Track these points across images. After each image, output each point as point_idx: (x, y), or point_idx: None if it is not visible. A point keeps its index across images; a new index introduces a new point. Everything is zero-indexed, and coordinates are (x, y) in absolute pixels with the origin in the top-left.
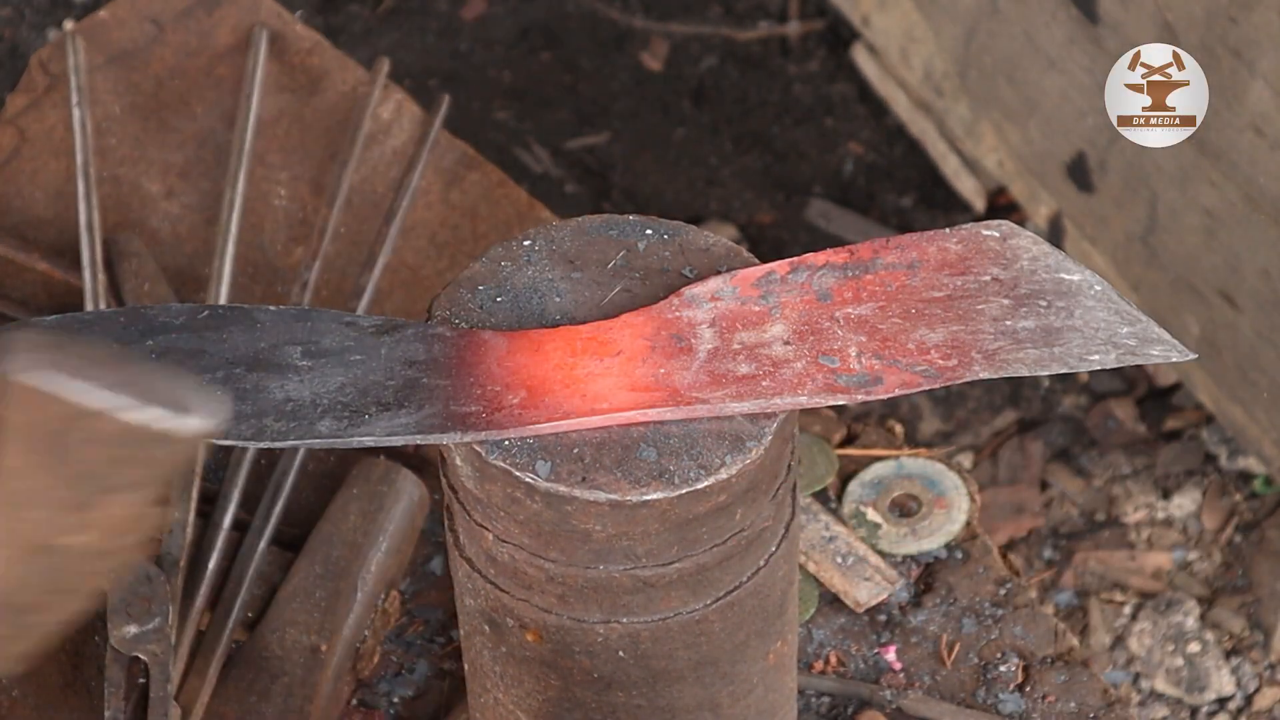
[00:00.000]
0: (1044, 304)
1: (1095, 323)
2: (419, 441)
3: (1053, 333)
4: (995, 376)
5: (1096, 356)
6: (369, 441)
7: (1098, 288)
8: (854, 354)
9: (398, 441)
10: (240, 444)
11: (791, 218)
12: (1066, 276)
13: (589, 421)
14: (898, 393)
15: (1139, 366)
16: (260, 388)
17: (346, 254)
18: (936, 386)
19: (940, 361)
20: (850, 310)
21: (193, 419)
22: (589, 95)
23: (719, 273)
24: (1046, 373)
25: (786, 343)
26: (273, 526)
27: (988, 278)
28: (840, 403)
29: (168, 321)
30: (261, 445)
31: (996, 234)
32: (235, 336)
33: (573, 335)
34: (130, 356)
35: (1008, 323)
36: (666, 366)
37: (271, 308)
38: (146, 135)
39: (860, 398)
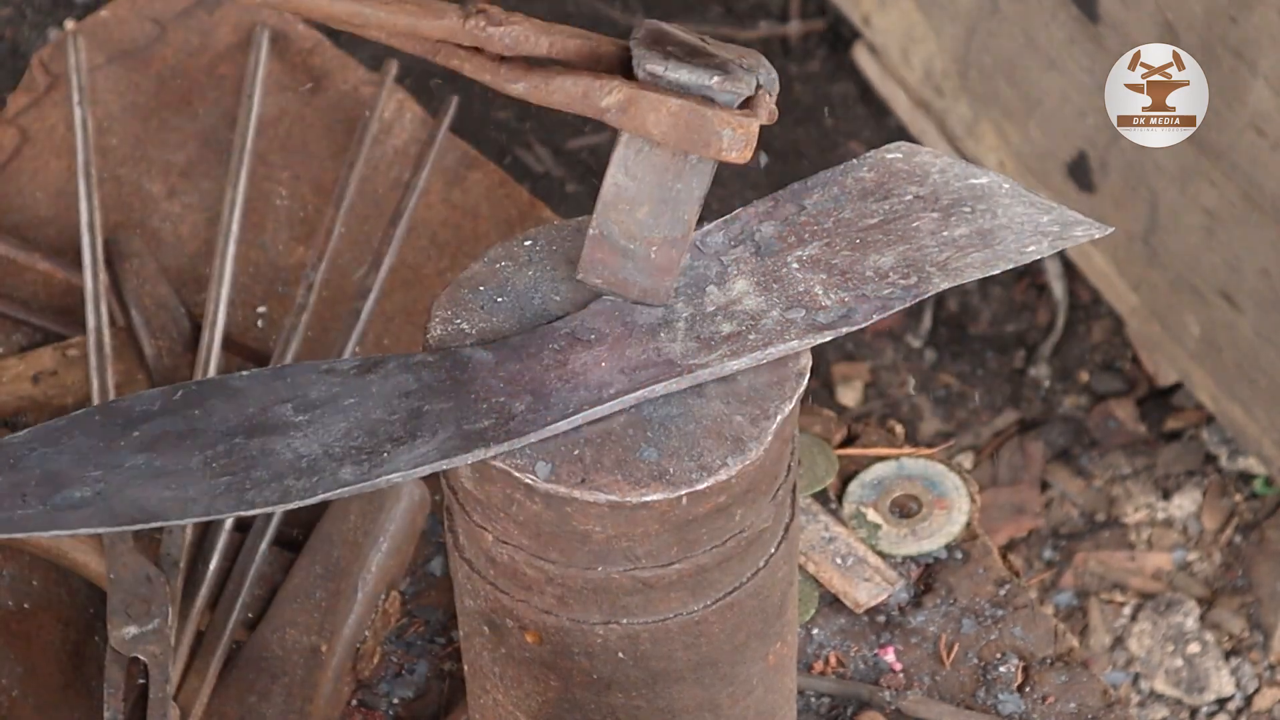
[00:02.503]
0: (968, 210)
1: (1019, 218)
2: (445, 467)
3: (987, 234)
4: (954, 284)
5: (1033, 248)
6: (396, 478)
7: (1006, 185)
8: (820, 293)
9: (424, 472)
10: (269, 510)
11: None
12: (976, 181)
13: (601, 410)
14: (875, 319)
15: (1138, 365)
16: (267, 451)
17: (348, 254)
18: (908, 305)
19: (901, 281)
20: (800, 253)
21: None
22: None
23: None
24: (995, 271)
25: (755, 296)
26: (274, 528)
27: (909, 196)
28: (826, 339)
29: (145, 409)
30: (290, 506)
31: (900, 155)
32: (220, 408)
33: (551, 333)
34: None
35: (945, 233)
36: (654, 341)
37: (244, 373)
38: (148, 135)
39: (844, 330)
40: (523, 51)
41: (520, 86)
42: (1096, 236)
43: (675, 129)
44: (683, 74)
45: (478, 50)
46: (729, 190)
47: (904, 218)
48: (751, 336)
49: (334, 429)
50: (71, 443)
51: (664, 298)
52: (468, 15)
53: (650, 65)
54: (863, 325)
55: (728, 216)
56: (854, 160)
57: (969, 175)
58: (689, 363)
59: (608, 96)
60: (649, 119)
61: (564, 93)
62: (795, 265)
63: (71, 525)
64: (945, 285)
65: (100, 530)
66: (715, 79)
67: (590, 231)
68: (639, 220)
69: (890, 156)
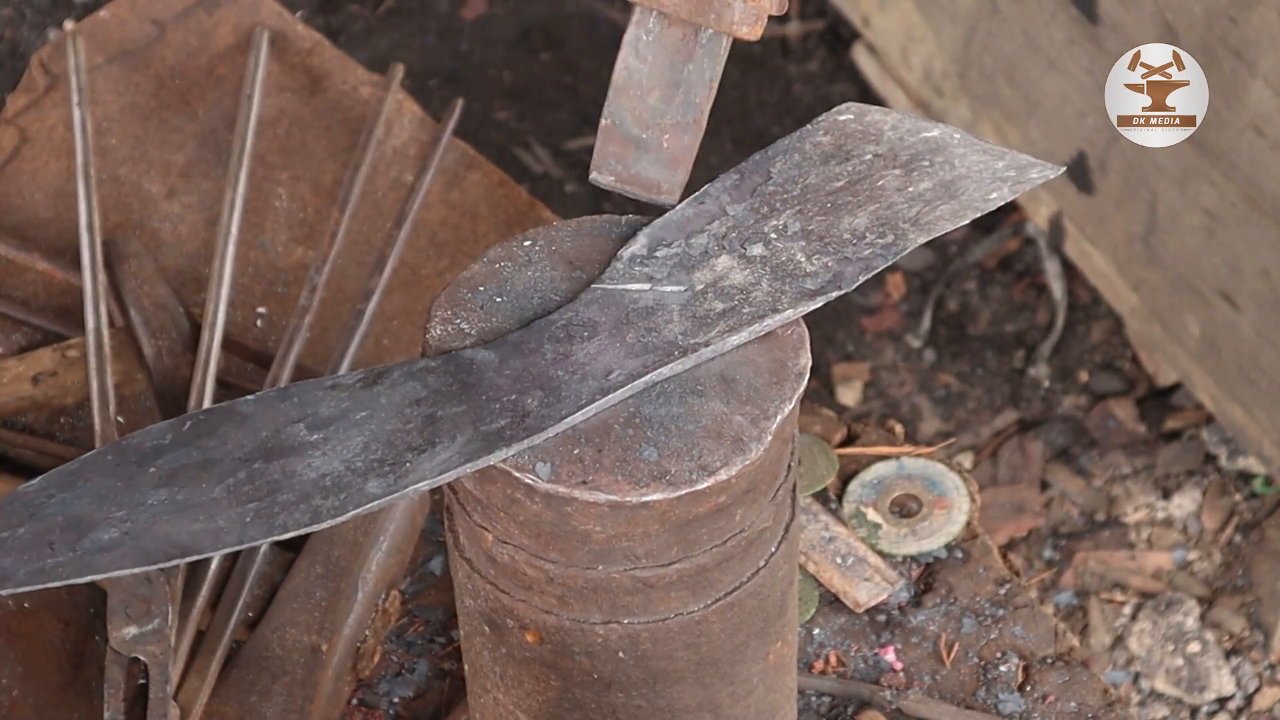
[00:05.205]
0: (927, 163)
1: (976, 166)
2: (470, 470)
3: (950, 185)
4: (929, 238)
5: (995, 194)
6: (424, 486)
7: (957, 136)
8: (804, 260)
9: (451, 477)
10: (302, 532)
11: None
12: (928, 134)
13: (613, 398)
14: (862, 279)
15: (1138, 365)
16: (289, 473)
17: (347, 254)
18: (890, 263)
19: (879, 241)
20: (775, 222)
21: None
22: (589, 95)
23: (639, 229)
24: (965, 221)
25: (740, 270)
26: None
27: (869, 156)
28: (818, 305)
29: (157, 443)
30: (322, 527)
31: (852, 116)
32: (232, 435)
33: (548, 327)
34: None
35: (910, 189)
36: (651, 325)
37: (250, 396)
38: (147, 135)
39: (834, 294)
40: None
41: None
42: (1051, 177)
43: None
44: None
45: None
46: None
47: (868, 177)
48: (746, 310)
49: (351, 444)
50: (89, 485)
51: (676, 192)
52: None
53: None
54: (851, 288)
55: (696, 194)
56: (808, 126)
57: (920, 129)
58: (690, 342)
59: None
60: None
61: None
62: (773, 235)
63: (104, 568)
64: (922, 240)
65: (135, 570)
66: None
67: (602, 123)
68: (651, 106)
69: (843, 118)
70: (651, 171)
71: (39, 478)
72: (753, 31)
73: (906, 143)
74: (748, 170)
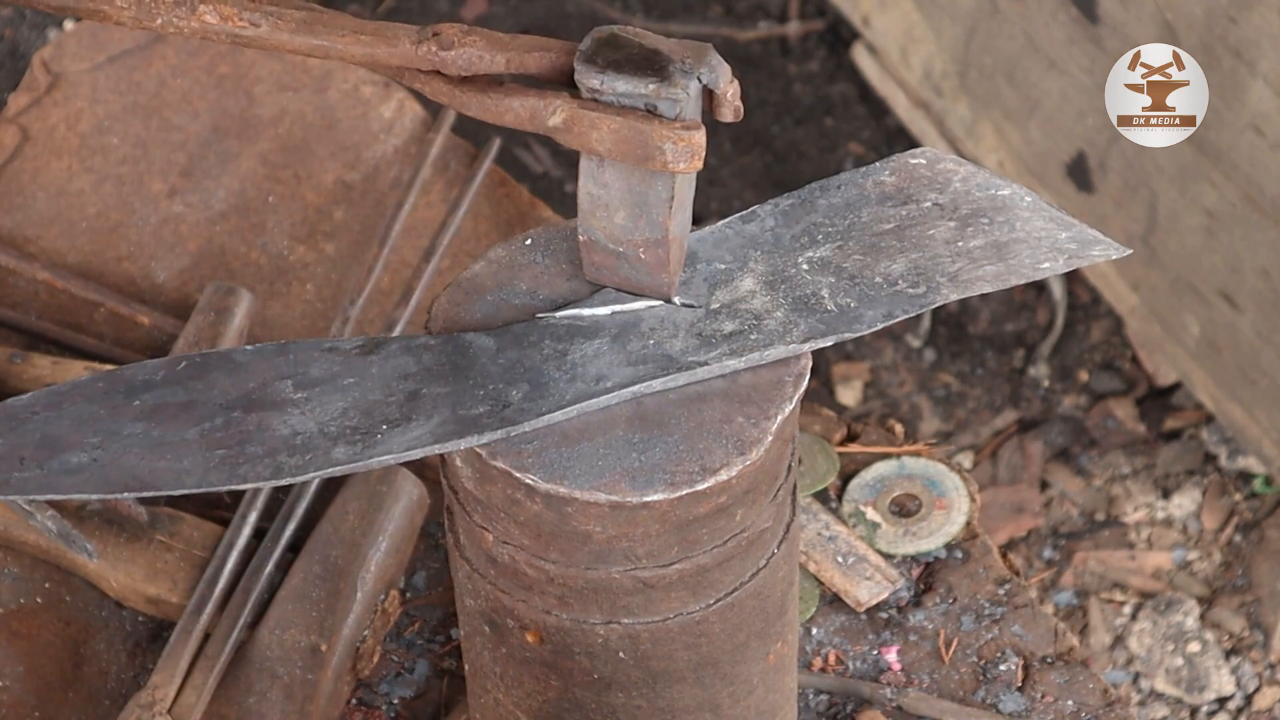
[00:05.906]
0: (986, 221)
1: (1037, 232)
2: (437, 451)
3: (1002, 247)
4: (962, 296)
5: (1047, 264)
6: (388, 460)
7: (1028, 199)
8: (827, 296)
9: (416, 455)
10: (260, 485)
11: None
12: (998, 192)
13: (596, 403)
14: (879, 326)
15: (1138, 365)
16: (264, 426)
17: (349, 254)
18: (913, 315)
19: (909, 290)
20: (812, 253)
21: None
22: None
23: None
24: (1006, 286)
25: (762, 295)
26: (290, 534)
27: (928, 204)
28: (826, 344)
29: (149, 378)
30: (281, 483)
31: (924, 160)
32: (221, 381)
33: (553, 323)
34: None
35: (960, 244)
36: (655, 337)
37: (249, 347)
38: (148, 134)
39: (846, 336)
40: (479, 71)
41: (475, 109)
42: (1114, 258)
43: (618, 145)
44: (620, 84)
45: (438, 72)
46: (729, 190)
47: (920, 224)
48: (753, 337)
49: (331, 408)
50: (73, 408)
51: (668, 292)
52: (420, 41)
53: (589, 81)
54: (865, 333)
55: (745, 212)
56: (877, 163)
57: (991, 186)
58: (687, 360)
59: (553, 116)
60: (591, 136)
61: (513, 114)
62: (805, 266)
63: (66, 490)
64: (954, 297)
65: (94, 496)
66: (652, 87)
67: (580, 237)
68: (619, 224)
69: (914, 161)
70: (638, 277)
71: (29, 394)
72: (690, 166)
73: (973, 197)
74: (803, 196)
